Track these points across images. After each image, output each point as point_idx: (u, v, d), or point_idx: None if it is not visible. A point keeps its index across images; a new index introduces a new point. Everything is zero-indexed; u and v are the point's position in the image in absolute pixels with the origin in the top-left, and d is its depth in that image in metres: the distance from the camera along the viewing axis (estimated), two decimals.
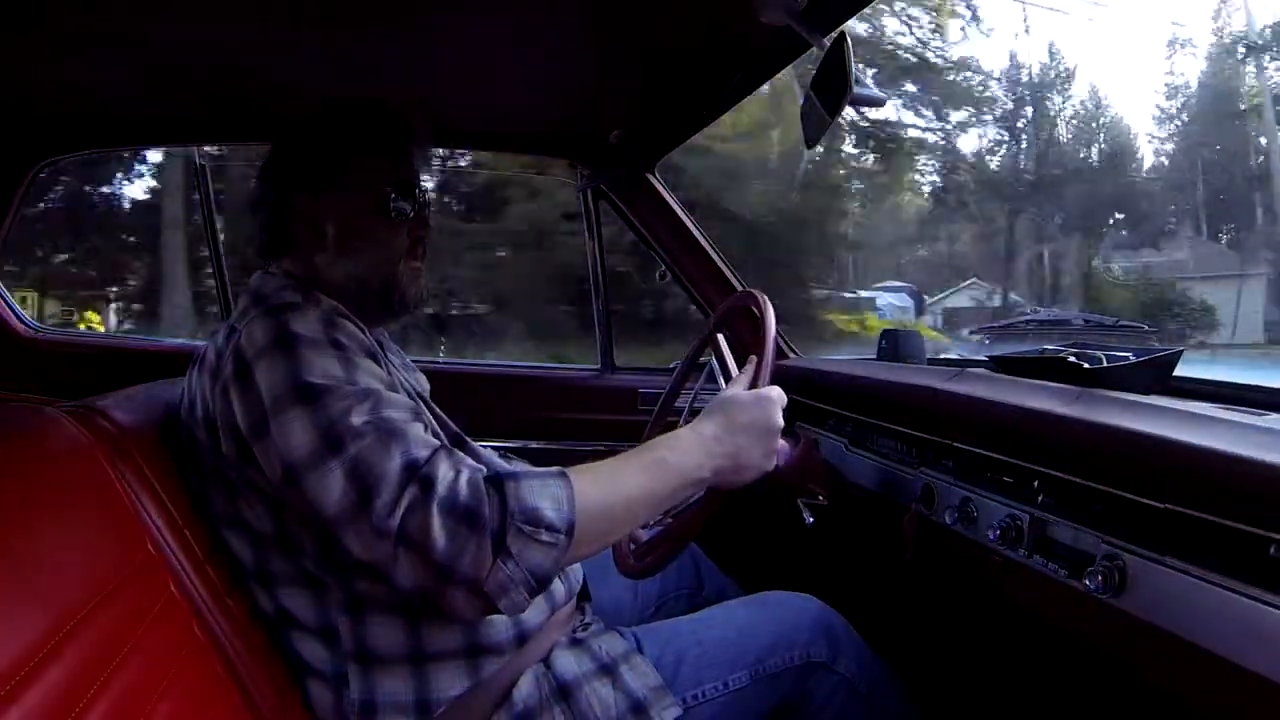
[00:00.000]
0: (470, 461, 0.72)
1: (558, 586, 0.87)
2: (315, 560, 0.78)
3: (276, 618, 0.82)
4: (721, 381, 1.00)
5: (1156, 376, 0.93)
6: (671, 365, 1.30)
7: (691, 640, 0.88)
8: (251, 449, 0.74)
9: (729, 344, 1.05)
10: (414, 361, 1.07)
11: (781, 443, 1.03)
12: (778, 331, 0.98)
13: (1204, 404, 0.78)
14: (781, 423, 0.84)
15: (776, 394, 0.85)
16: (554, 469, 0.73)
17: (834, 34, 0.79)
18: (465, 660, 0.80)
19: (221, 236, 1.63)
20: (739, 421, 0.81)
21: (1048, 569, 0.77)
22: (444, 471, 0.69)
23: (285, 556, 0.79)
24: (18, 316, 1.64)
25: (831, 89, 0.78)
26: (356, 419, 0.70)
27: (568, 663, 0.84)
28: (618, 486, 0.75)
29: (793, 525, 1.03)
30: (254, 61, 1.13)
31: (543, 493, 0.70)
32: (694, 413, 1.30)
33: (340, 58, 1.09)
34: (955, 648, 1.26)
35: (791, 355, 1.62)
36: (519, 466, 0.72)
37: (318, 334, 0.76)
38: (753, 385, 0.87)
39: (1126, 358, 0.95)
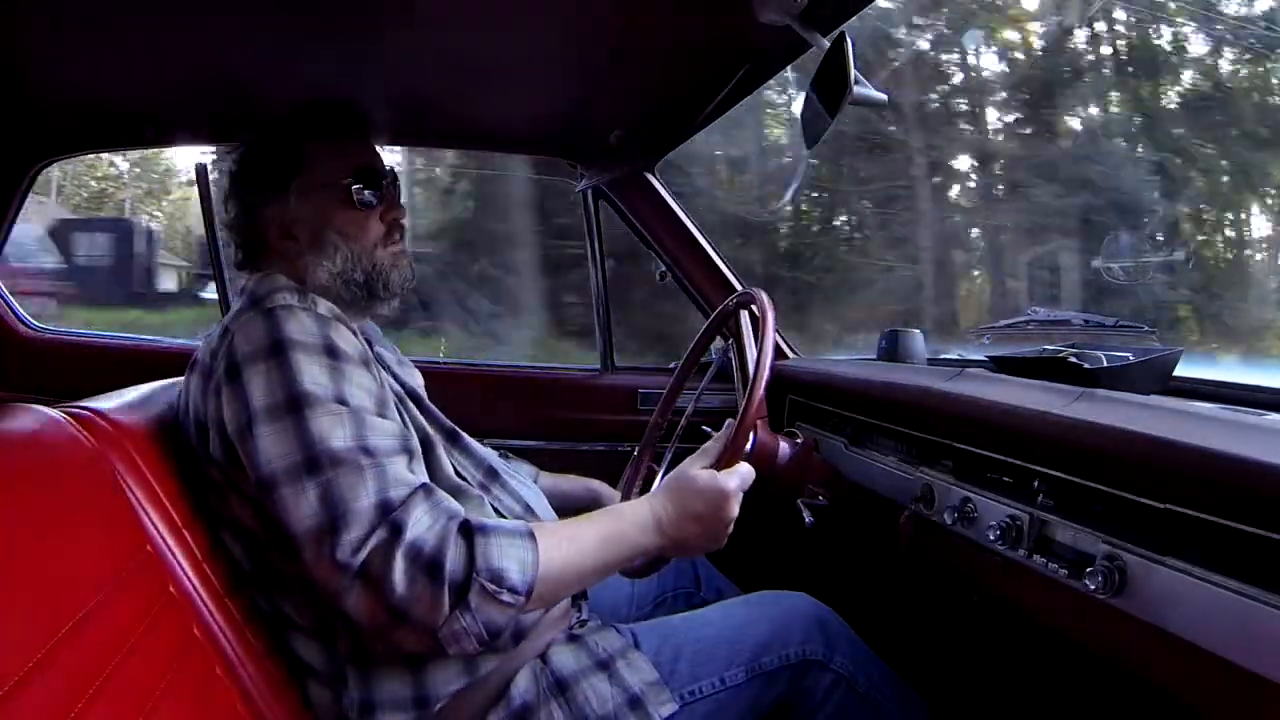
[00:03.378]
0: (446, 504, 0.73)
1: None
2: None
3: (275, 618, 0.82)
4: (736, 377, 0.98)
5: (1156, 376, 0.93)
6: (671, 365, 1.30)
7: (689, 637, 0.88)
8: (236, 451, 0.75)
9: (735, 345, 1.05)
10: (414, 361, 1.07)
11: (782, 442, 1.03)
12: (776, 330, 0.98)
13: (1204, 404, 0.78)
14: (734, 514, 0.83)
15: (735, 484, 0.83)
16: (522, 526, 0.74)
17: (834, 34, 0.79)
18: (462, 658, 0.80)
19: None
20: (690, 511, 0.81)
21: (1048, 569, 0.77)
22: (416, 516, 0.70)
23: (280, 558, 0.79)
24: (18, 316, 1.64)
25: (832, 89, 0.78)
26: (339, 442, 0.71)
27: (565, 658, 0.84)
28: (578, 555, 0.76)
29: (792, 525, 1.03)
30: (253, 62, 1.13)
31: (510, 553, 0.70)
32: (699, 413, 1.31)
33: (340, 58, 1.09)
34: (954, 647, 1.26)
35: (791, 355, 1.62)
36: (488, 520, 0.73)
37: (312, 338, 0.76)
38: (726, 455, 0.87)
39: (1126, 358, 0.95)
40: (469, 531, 0.70)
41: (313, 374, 0.73)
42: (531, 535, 0.73)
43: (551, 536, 0.75)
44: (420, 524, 0.69)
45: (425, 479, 0.75)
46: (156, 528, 0.77)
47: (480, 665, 0.81)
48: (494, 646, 0.72)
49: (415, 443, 0.80)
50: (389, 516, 0.69)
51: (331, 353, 0.76)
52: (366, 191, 0.89)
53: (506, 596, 0.69)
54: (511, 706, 0.81)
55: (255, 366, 0.74)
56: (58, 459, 0.72)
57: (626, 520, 0.80)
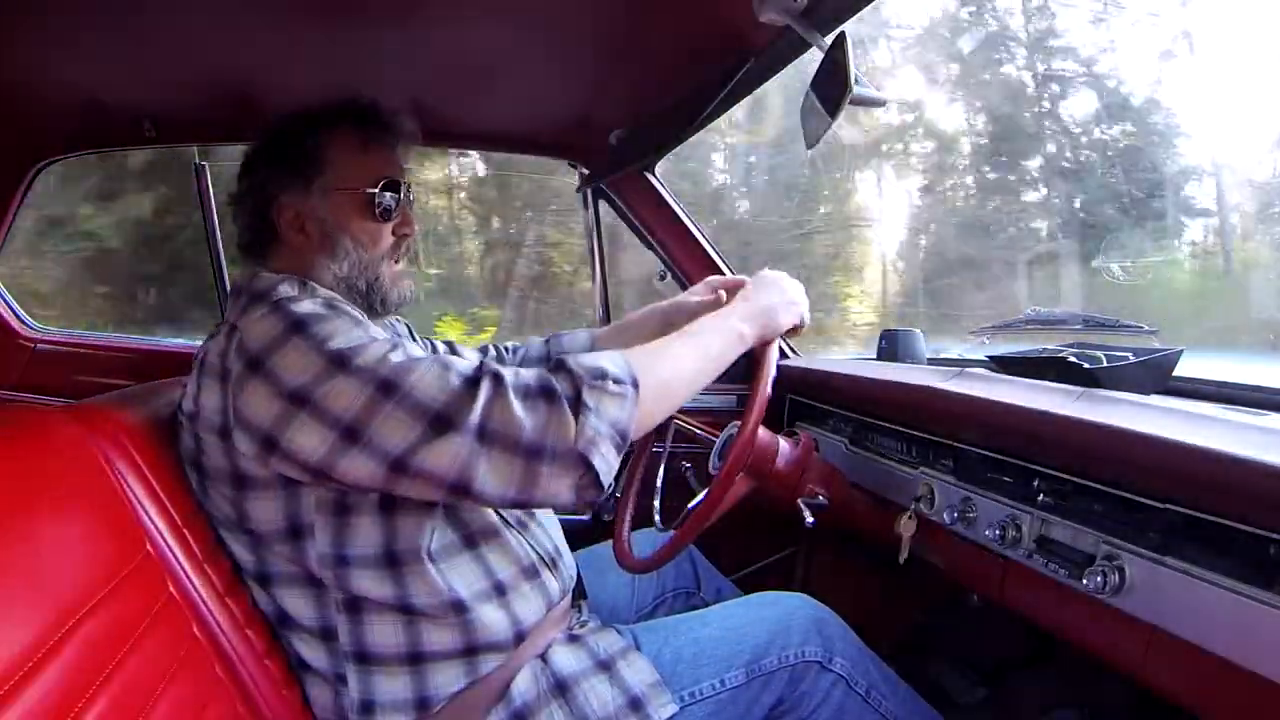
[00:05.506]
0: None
1: (553, 583, 0.87)
2: (320, 554, 0.78)
3: (275, 617, 0.82)
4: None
5: (1156, 376, 0.93)
6: None
7: (689, 638, 0.88)
8: (278, 439, 0.71)
9: None
10: None
11: (782, 442, 1.03)
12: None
13: (1204, 404, 0.78)
14: (782, 282, 0.96)
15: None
16: (602, 332, 0.78)
17: (834, 34, 0.78)
18: (463, 659, 0.80)
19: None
20: (766, 288, 0.93)
21: (1048, 569, 0.77)
22: (505, 368, 0.72)
23: (287, 555, 0.79)
24: (18, 316, 1.64)
25: (831, 89, 0.78)
26: (397, 357, 0.72)
27: (565, 659, 0.84)
28: (666, 350, 0.81)
29: (792, 525, 1.03)
30: (254, 62, 1.13)
31: (600, 357, 0.74)
32: (698, 413, 1.31)
33: (340, 58, 1.09)
34: (953, 647, 1.26)
35: (792, 355, 1.62)
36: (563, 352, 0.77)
37: (323, 310, 0.76)
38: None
39: (1126, 358, 0.95)
40: (558, 359, 0.74)
41: (342, 332, 0.73)
42: (615, 349, 0.78)
43: (631, 348, 0.79)
44: (511, 371, 0.72)
45: None
46: (156, 528, 0.77)
47: (480, 666, 0.81)
48: (628, 447, 0.74)
49: None
50: (483, 375, 0.71)
51: (346, 315, 0.77)
52: (387, 201, 0.88)
53: (614, 387, 0.72)
54: (512, 707, 0.81)
55: (279, 351, 0.72)
56: (58, 459, 0.72)
57: (706, 319, 0.87)
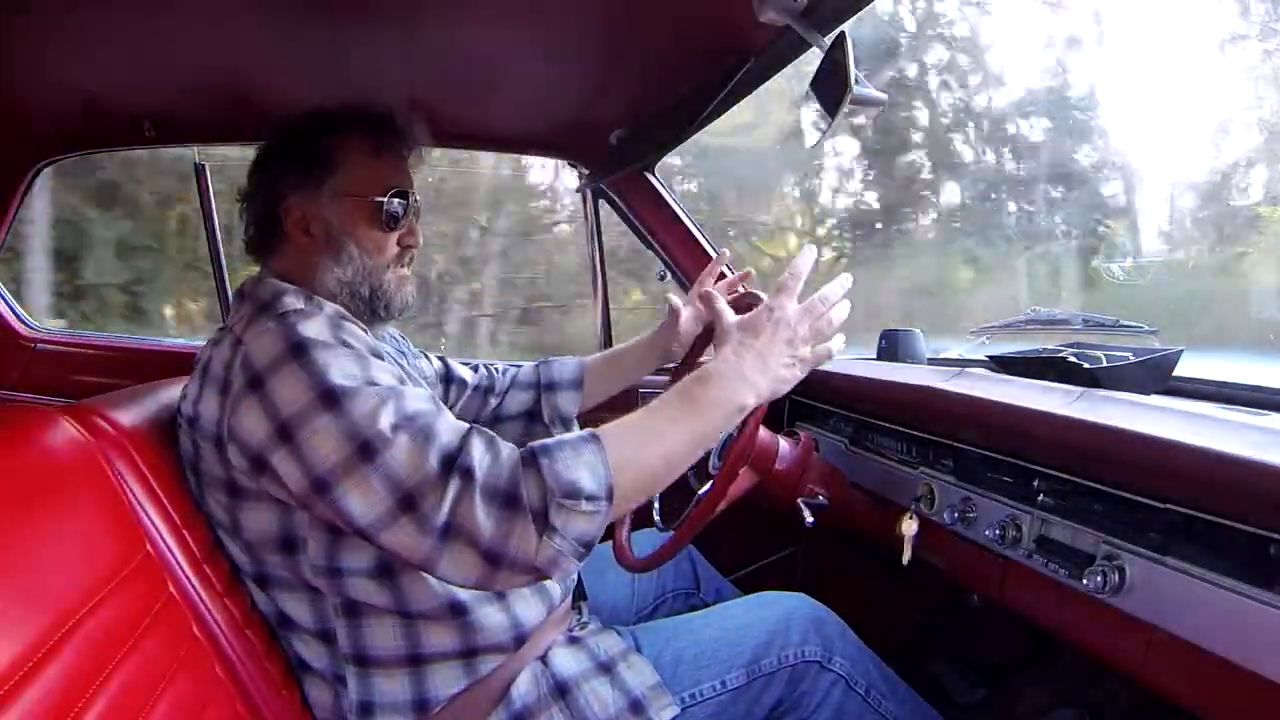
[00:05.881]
0: (499, 439, 0.72)
1: (553, 585, 0.87)
2: (313, 565, 0.78)
3: (274, 619, 0.82)
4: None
5: (1156, 376, 0.93)
6: (671, 365, 1.30)
7: (689, 640, 0.88)
8: (268, 460, 0.72)
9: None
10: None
11: (782, 442, 1.03)
12: None
13: (1204, 404, 0.78)
14: (794, 324, 0.77)
15: (774, 301, 0.78)
16: (585, 433, 0.72)
17: (834, 34, 0.78)
18: (462, 660, 0.80)
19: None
20: (747, 343, 0.77)
21: (1048, 569, 0.77)
22: (480, 455, 0.69)
23: (282, 562, 0.79)
24: (18, 316, 1.64)
25: (831, 89, 0.78)
26: (384, 422, 0.70)
27: (566, 661, 0.84)
28: (653, 436, 0.74)
29: (792, 525, 1.03)
30: (253, 62, 1.13)
31: (577, 463, 0.69)
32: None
33: (340, 58, 1.09)
34: (953, 647, 1.26)
35: None
36: (549, 439, 0.72)
37: (326, 336, 0.75)
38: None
39: (1126, 358, 0.95)
40: (533, 456, 0.69)
41: (340, 366, 0.72)
42: (595, 438, 0.71)
43: (621, 430, 0.73)
44: (485, 461, 0.69)
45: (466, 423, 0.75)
46: (156, 528, 0.77)
47: (480, 668, 0.81)
48: (589, 553, 0.70)
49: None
50: (456, 466, 0.68)
51: (348, 345, 0.76)
52: (395, 209, 0.88)
53: (586, 506, 0.68)
54: (512, 709, 0.80)
55: (279, 373, 0.72)
56: (58, 459, 0.72)
57: (695, 382, 0.76)
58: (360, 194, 0.87)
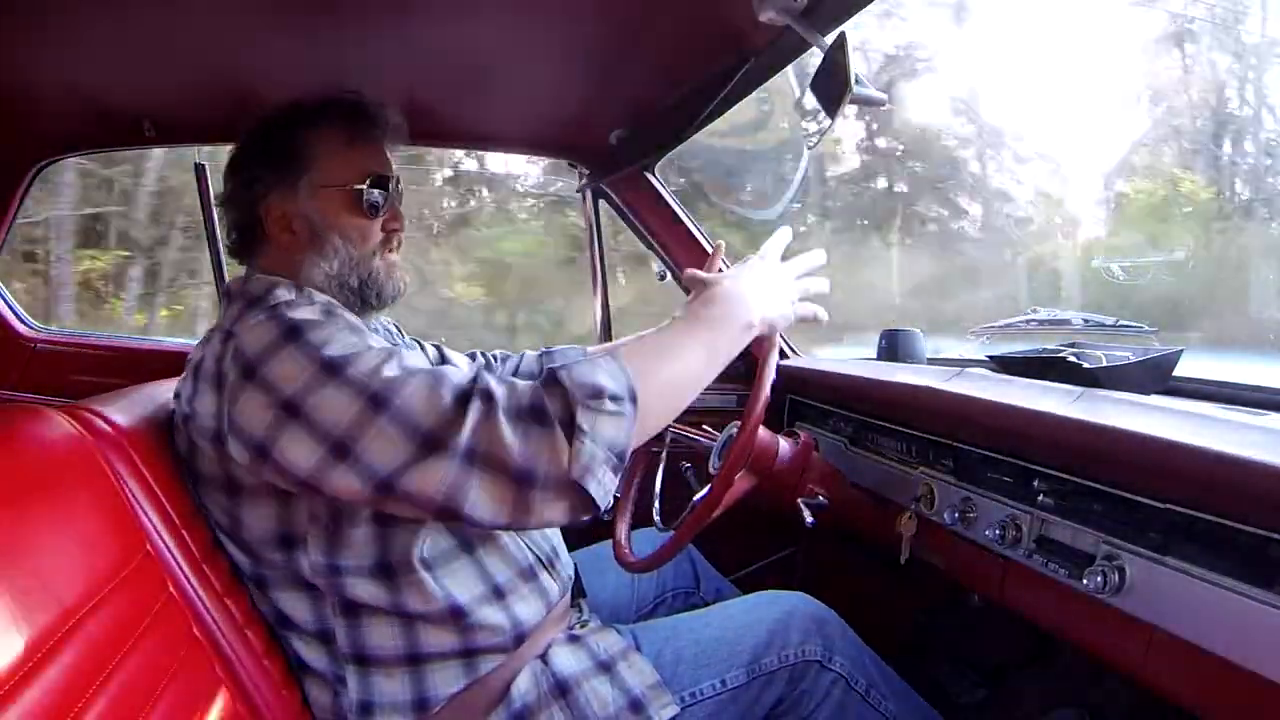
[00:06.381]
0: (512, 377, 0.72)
1: (551, 585, 0.87)
2: (312, 564, 0.78)
3: (274, 618, 0.82)
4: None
5: (1156, 376, 0.93)
6: None
7: (689, 639, 0.88)
8: (270, 448, 0.70)
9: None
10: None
11: (782, 442, 1.03)
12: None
13: (1204, 404, 0.78)
14: (787, 272, 0.87)
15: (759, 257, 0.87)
16: (600, 348, 0.73)
17: (834, 34, 0.78)
18: (462, 659, 0.80)
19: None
20: (750, 275, 0.84)
21: (1048, 569, 0.77)
22: (496, 383, 0.69)
23: (281, 561, 0.79)
24: (18, 316, 1.64)
25: (831, 89, 0.78)
26: (391, 370, 0.69)
27: (566, 659, 0.84)
28: (668, 350, 0.76)
29: (792, 525, 1.03)
30: (253, 62, 1.13)
31: (595, 370, 0.70)
32: (697, 412, 1.29)
33: (340, 57, 1.09)
34: (953, 647, 1.26)
35: (792, 355, 1.62)
36: (555, 361, 0.74)
37: (320, 317, 0.75)
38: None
39: (1126, 358, 0.95)
40: (552, 373, 0.70)
41: (339, 339, 0.72)
42: (610, 353, 0.73)
43: (635, 345, 0.76)
44: (501, 389, 0.68)
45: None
46: (156, 528, 0.77)
47: (479, 667, 0.81)
48: (622, 466, 0.70)
49: None
50: (475, 392, 0.68)
51: (343, 321, 0.76)
52: (375, 197, 0.87)
53: (611, 405, 0.68)
54: (512, 709, 0.80)
55: (275, 356, 0.71)
56: (58, 459, 0.72)
57: (700, 302, 0.81)
58: (338, 184, 0.86)
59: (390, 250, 0.91)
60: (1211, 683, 0.60)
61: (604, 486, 0.68)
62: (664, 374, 0.74)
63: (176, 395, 0.82)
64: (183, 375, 0.82)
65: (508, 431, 0.66)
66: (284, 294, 0.80)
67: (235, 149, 0.90)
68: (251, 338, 0.74)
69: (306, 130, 0.87)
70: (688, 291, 0.84)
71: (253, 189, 0.87)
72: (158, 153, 3.22)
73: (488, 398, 0.67)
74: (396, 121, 0.91)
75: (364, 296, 0.88)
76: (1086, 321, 1.14)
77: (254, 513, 0.78)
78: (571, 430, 0.66)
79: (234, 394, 0.73)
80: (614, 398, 0.68)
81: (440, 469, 0.66)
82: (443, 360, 1.17)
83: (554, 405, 0.67)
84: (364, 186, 0.86)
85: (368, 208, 0.87)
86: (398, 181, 0.91)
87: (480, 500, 0.67)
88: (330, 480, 0.69)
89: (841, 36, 0.76)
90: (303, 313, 0.75)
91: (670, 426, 1.23)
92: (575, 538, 1.03)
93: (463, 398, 0.68)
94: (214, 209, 1.55)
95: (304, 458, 0.69)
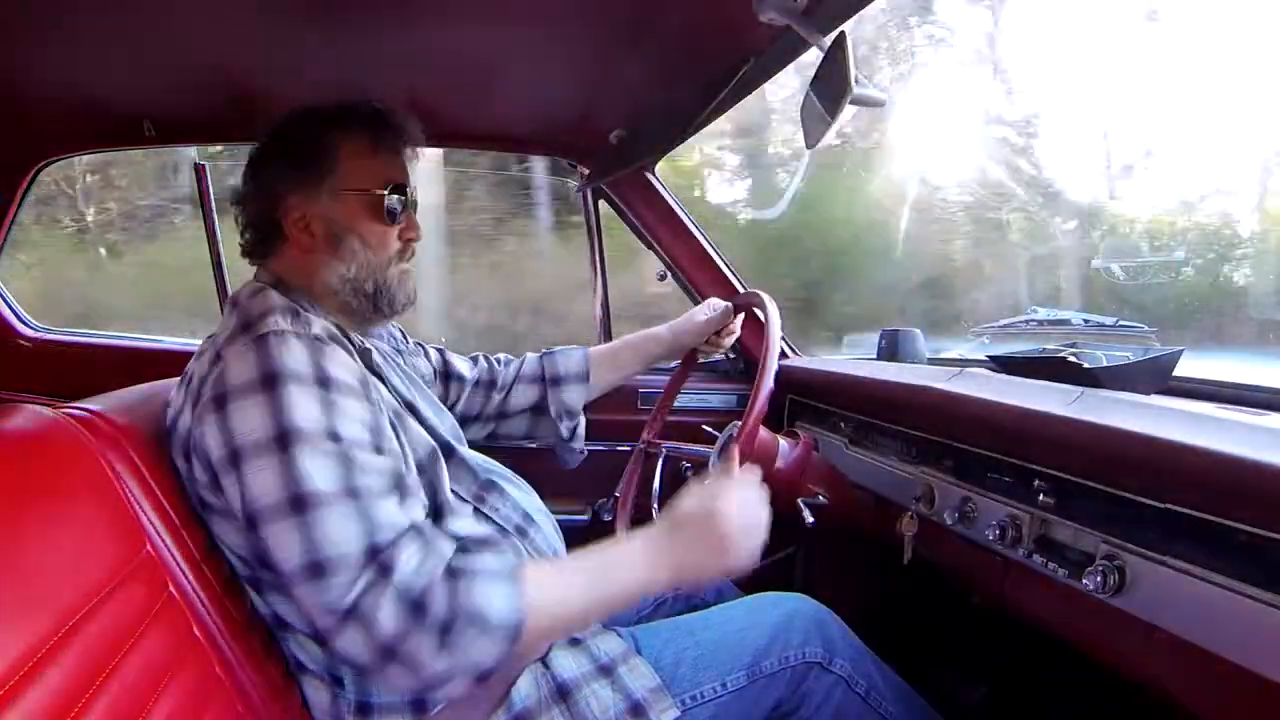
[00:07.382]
0: (437, 545, 0.71)
1: None
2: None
3: (272, 620, 0.82)
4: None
5: (1156, 376, 0.93)
6: (671, 364, 1.30)
7: (689, 641, 0.88)
8: (219, 478, 0.73)
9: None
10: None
11: (782, 442, 1.03)
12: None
13: (1204, 404, 0.78)
14: (738, 522, 0.77)
15: (725, 497, 0.78)
16: (508, 568, 0.72)
17: (834, 34, 0.78)
18: None
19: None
20: (683, 534, 0.77)
21: (1048, 569, 0.77)
22: (405, 558, 0.69)
23: (266, 575, 0.79)
24: (18, 316, 1.64)
25: (831, 89, 0.78)
26: (326, 482, 0.69)
27: (566, 663, 0.84)
28: (567, 594, 0.74)
29: (792, 525, 1.03)
30: (253, 62, 1.13)
31: (494, 593, 0.69)
32: (698, 412, 1.30)
33: (340, 57, 1.09)
34: (954, 647, 1.26)
35: (792, 355, 1.62)
36: (476, 561, 0.71)
37: (306, 368, 0.74)
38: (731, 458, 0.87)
39: (1126, 358, 0.95)
40: (454, 574, 0.69)
41: (305, 408, 0.71)
42: (516, 577, 0.71)
43: (542, 576, 0.74)
44: (409, 565, 0.68)
45: (417, 518, 0.73)
46: (155, 528, 0.77)
47: None
48: (482, 682, 0.70)
49: (412, 478, 0.78)
50: (378, 558, 0.68)
51: (325, 384, 0.74)
52: (395, 204, 0.88)
53: (489, 637, 0.68)
54: (512, 712, 0.80)
55: (244, 399, 0.72)
56: (58, 459, 0.72)
57: (614, 560, 0.77)
58: (361, 189, 0.87)
59: (404, 259, 0.91)
60: (1211, 683, 0.60)
61: (451, 693, 0.71)
62: (556, 613, 0.73)
63: (169, 403, 0.83)
64: (178, 385, 0.83)
65: (387, 610, 0.67)
66: (279, 322, 0.77)
67: (257, 148, 0.90)
68: (233, 370, 0.74)
69: (336, 133, 0.87)
70: (689, 295, 0.84)
71: (274, 188, 0.87)
72: None
73: (385, 570, 0.68)
74: (416, 134, 0.92)
75: (376, 304, 0.89)
76: (1086, 321, 1.14)
77: (226, 530, 0.79)
78: (443, 641, 0.67)
79: (201, 416, 0.74)
80: (500, 625, 0.68)
81: (319, 605, 0.68)
82: (446, 370, 1.16)
83: (437, 609, 0.67)
84: (385, 193, 0.87)
85: (387, 214, 0.88)
86: (415, 188, 0.92)
87: (346, 645, 0.68)
88: (255, 534, 0.72)
89: (841, 36, 0.76)
90: (290, 357, 0.73)
91: (671, 427, 1.24)
92: (575, 538, 1.03)
93: (371, 552, 0.68)
94: (214, 209, 1.55)
95: (237, 504, 0.73)
